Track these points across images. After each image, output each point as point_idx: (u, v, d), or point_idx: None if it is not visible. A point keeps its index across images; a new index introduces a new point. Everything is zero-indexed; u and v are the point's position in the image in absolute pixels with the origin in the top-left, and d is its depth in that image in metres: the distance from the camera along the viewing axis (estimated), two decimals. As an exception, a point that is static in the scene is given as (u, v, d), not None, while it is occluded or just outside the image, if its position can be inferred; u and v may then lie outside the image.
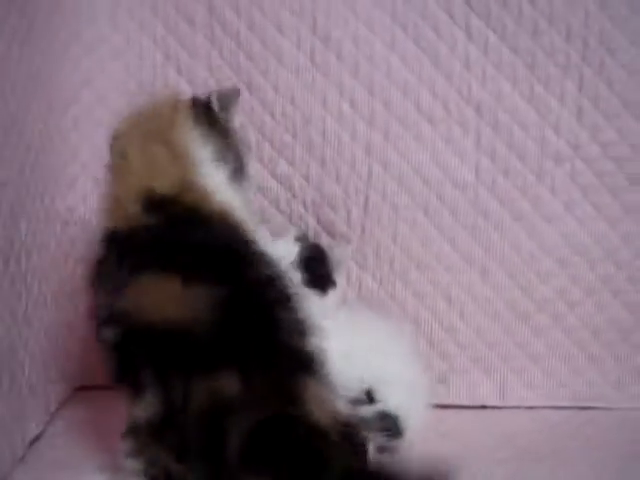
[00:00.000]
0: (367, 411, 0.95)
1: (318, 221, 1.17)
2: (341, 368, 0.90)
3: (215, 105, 0.92)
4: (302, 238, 1.08)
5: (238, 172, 0.92)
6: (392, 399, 0.97)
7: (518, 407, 1.17)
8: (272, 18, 1.14)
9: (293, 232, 1.10)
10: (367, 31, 1.13)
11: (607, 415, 1.14)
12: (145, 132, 0.88)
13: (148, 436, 0.76)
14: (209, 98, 0.93)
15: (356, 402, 0.95)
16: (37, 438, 0.98)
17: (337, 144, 1.15)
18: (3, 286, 0.89)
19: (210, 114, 0.92)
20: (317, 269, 1.06)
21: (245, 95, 1.15)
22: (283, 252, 1.02)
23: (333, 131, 1.15)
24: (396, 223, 1.16)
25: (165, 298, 0.76)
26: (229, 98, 0.95)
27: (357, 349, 0.98)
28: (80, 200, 1.15)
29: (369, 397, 0.96)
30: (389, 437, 0.95)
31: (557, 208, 1.14)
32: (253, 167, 1.00)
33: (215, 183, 0.86)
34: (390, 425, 0.95)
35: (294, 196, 1.17)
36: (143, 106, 0.92)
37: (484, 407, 1.17)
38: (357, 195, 1.16)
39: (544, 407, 1.16)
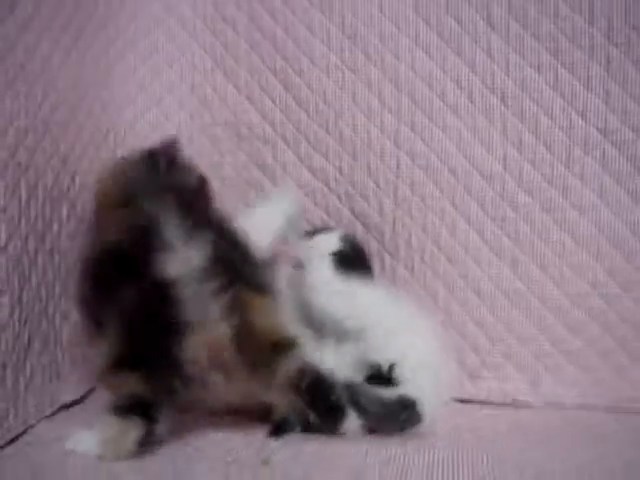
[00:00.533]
0: (388, 394, 0.97)
1: (353, 213, 1.21)
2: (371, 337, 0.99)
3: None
4: (346, 238, 1.13)
5: None
6: (414, 381, 0.98)
7: (551, 405, 1.13)
8: (304, 19, 1.20)
9: (339, 231, 1.15)
10: (392, 26, 1.16)
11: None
12: None
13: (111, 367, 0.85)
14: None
15: (376, 379, 0.98)
16: (74, 403, 1.08)
17: (367, 137, 1.19)
18: (37, 260, 1.00)
19: None
20: (350, 266, 1.09)
21: (282, 94, 1.22)
22: (322, 245, 1.10)
23: (362, 125, 1.19)
24: (425, 214, 1.17)
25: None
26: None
27: (390, 323, 1.02)
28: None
29: (390, 372, 0.98)
30: (407, 422, 0.96)
31: (589, 197, 1.11)
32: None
33: None
34: (409, 410, 0.96)
35: (329, 189, 1.22)
36: None
37: (515, 404, 1.14)
38: (387, 186, 1.19)
39: (579, 407, 1.11)
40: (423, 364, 0.99)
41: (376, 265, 1.19)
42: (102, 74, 1.19)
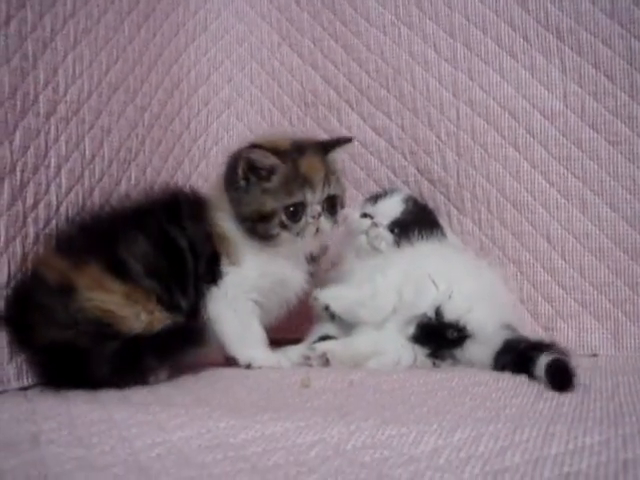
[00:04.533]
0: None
1: (418, 169, 1.19)
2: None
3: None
4: (408, 199, 1.11)
5: None
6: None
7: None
8: (359, -18, 1.23)
9: (401, 194, 1.12)
10: (444, -25, 1.17)
11: None
12: None
13: None
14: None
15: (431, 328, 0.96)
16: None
17: (426, 90, 1.18)
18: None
19: None
20: (409, 229, 1.06)
21: (344, 58, 1.24)
22: (384, 211, 1.09)
23: (421, 78, 1.18)
24: (488, 162, 1.14)
25: None
26: None
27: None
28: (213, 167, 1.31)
29: (439, 316, 0.95)
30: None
31: (657, 125, 1.04)
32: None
33: None
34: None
35: (394, 147, 1.21)
36: None
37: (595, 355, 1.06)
38: (449, 138, 1.17)
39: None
40: (475, 297, 0.95)
41: (445, 221, 1.16)
42: (173, 53, 1.27)
